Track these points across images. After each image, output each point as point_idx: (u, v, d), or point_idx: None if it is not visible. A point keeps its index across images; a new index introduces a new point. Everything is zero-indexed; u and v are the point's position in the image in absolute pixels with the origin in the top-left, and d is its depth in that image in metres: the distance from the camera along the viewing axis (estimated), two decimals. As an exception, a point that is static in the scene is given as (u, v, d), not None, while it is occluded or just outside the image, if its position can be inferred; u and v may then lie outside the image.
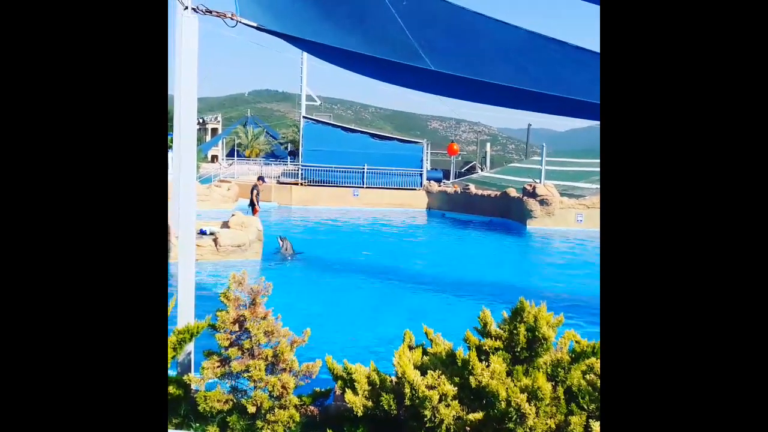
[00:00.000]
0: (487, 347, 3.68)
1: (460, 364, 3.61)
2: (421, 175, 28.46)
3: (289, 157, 36.65)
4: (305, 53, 29.03)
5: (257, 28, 5.54)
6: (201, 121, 58.38)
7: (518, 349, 3.61)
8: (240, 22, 5.35)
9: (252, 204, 17.65)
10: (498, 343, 3.69)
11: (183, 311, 4.61)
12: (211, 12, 4.79)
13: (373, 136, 30.10)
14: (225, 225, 13.44)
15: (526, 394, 3.20)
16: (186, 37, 4.63)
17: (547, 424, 3.28)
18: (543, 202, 20.32)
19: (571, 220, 20.37)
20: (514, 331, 3.62)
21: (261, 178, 19.71)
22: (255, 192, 17.65)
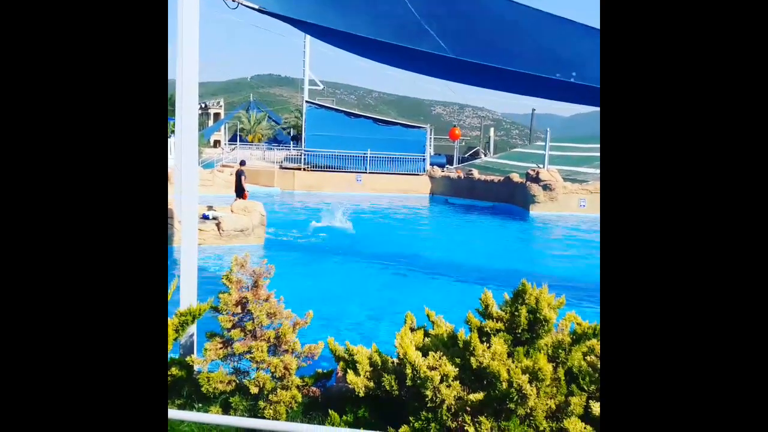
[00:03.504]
0: (488, 329, 3.70)
1: (461, 345, 3.62)
2: (424, 160, 28.38)
3: (291, 143, 36.54)
4: (308, 36, 28.87)
5: (258, 10, 5.50)
6: (203, 105, 58.23)
7: (519, 331, 3.62)
8: (241, 3, 5.31)
9: (240, 190, 17.05)
10: (499, 325, 3.70)
11: (185, 294, 4.63)
12: (211, -7, 4.76)
13: (376, 121, 29.97)
14: (228, 210, 13.46)
15: (527, 375, 3.21)
16: (187, 20, 4.61)
17: (547, 404, 3.30)
18: (546, 187, 20.27)
19: (574, 205, 20.33)
20: (516, 313, 3.63)
21: (243, 162, 19.22)
22: (243, 177, 17.29)
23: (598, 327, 3.56)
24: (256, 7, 5.41)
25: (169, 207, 9.97)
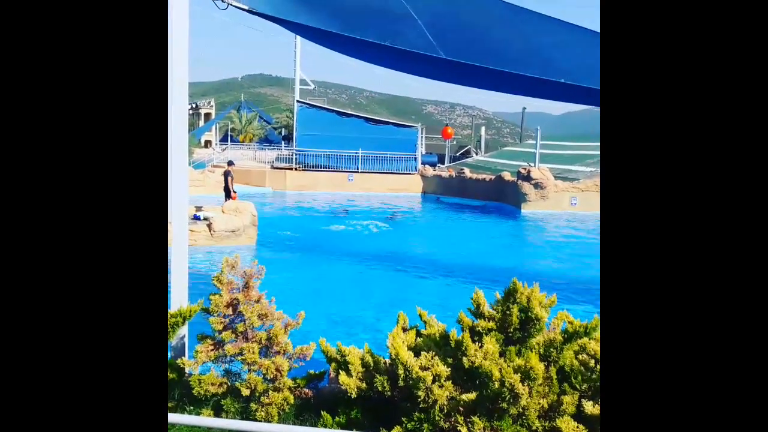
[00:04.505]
0: (480, 328, 3.69)
1: (453, 345, 3.62)
2: (416, 159, 28.37)
3: (283, 142, 36.42)
4: (298, 37, 28.76)
5: (248, 11, 5.47)
6: (194, 106, 57.95)
7: (511, 330, 3.62)
8: (230, 4, 5.28)
9: (228, 191, 16.86)
10: (491, 324, 3.69)
11: (176, 295, 4.60)
12: (200, -7, 4.73)
13: (367, 120, 29.93)
14: (219, 210, 13.39)
15: (519, 374, 3.21)
16: (177, 19, 4.57)
17: (539, 403, 3.30)
18: (537, 186, 20.32)
19: (565, 203, 20.39)
20: (507, 312, 3.62)
21: (231, 162, 19.00)
22: (231, 178, 17.12)
23: (590, 325, 3.56)
24: (246, 7, 5.38)
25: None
